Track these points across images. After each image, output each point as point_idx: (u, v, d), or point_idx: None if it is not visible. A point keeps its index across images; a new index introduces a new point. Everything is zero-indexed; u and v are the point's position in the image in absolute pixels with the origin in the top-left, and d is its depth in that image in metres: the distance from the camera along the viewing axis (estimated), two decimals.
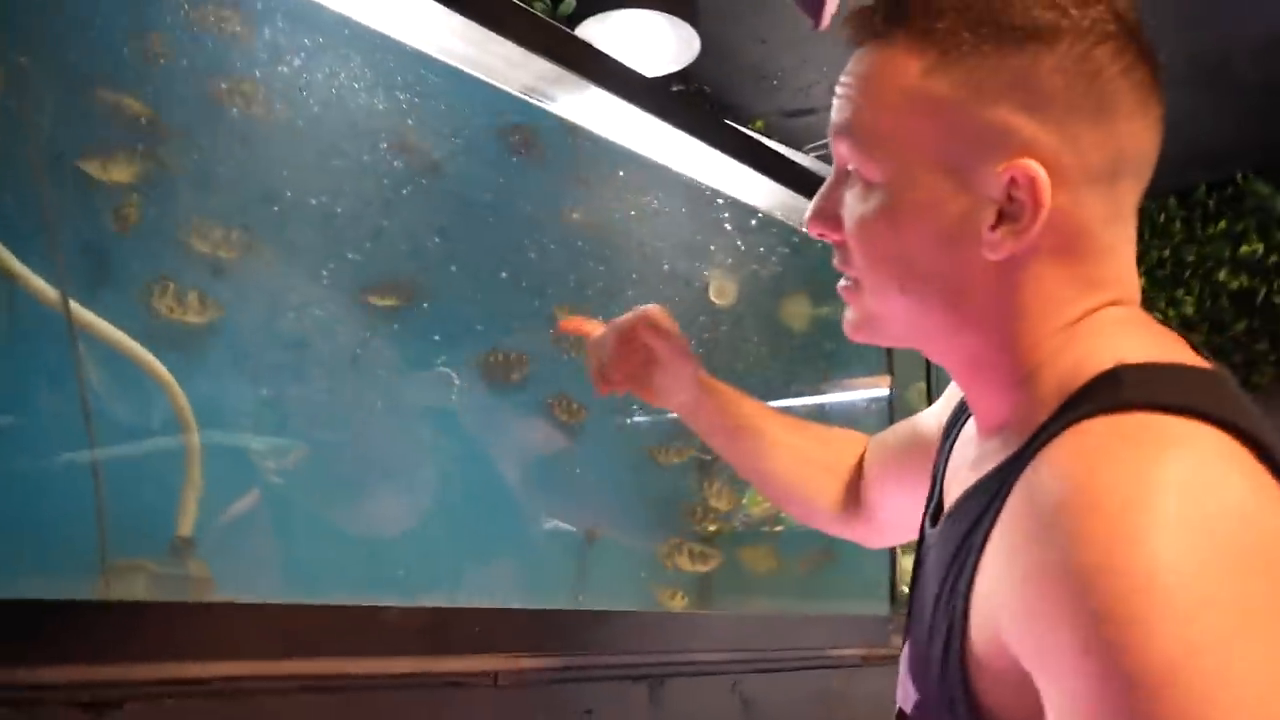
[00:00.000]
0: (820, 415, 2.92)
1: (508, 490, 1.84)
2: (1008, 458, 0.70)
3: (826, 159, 2.14)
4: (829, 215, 0.79)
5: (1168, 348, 0.70)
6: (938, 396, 1.11)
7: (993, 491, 0.69)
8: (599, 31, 2.02)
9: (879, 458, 1.16)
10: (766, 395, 2.74)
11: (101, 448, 1.46)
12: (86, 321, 1.56)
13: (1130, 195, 0.73)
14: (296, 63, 1.31)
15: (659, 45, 2.11)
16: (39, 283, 1.49)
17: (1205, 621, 0.53)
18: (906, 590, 2.71)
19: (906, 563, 2.92)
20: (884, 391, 2.72)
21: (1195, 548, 0.55)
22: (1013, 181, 0.68)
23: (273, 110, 1.32)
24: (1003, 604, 0.63)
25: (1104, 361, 0.66)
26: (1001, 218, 0.69)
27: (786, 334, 2.61)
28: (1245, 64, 2.62)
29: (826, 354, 2.69)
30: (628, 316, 1.16)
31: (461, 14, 1.37)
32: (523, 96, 1.57)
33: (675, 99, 1.81)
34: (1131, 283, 0.75)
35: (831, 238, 0.79)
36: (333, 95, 1.34)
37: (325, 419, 1.52)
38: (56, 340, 1.44)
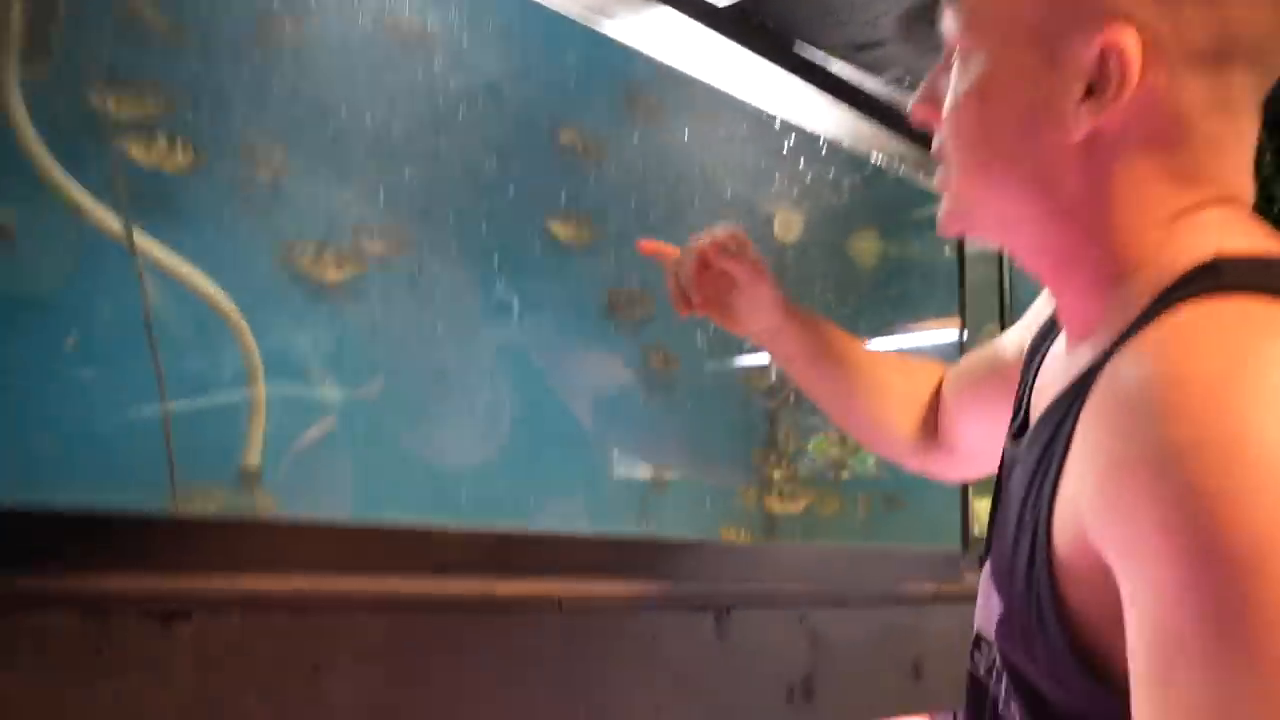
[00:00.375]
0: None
1: (583, 426, 1.83)
2: (1095, 358, 0.66)
3: (902, 88, 2.06)
4: (931, 98, 0.77)
5: (1275, 245, 0.65)
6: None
7: (1077, 393, 0.65)
8: None
9: (956, 387, 1.12)
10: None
11: (170, 380, 1.48)
12: (152, 253, 1.57)
13: (1244, 85, 0.67)
14: None
15: None
16: (102, 213, 1.51)
17: None
18: (979, 531, 2.66)
19: (980, 505, 2.85)
20: (954, 334, 2.65)
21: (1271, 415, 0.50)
22: (1103, 54, 0.64)
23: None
24: (1086, 499, 0.59)
25: (1201, 255, 0.63)
26: (1090, 93, 0.65)
27: (855, 271, 2.54)
28: None
29: (896, 294, 2.62)
30: (704, 239, 1.13)
31: None
32: (585, 18, 1.53)
33: (740, 20, 1.74)
34: (1241, 183, 0.70)
35: (931, 122, 0.78)
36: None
37: (400, 348, 1.52)
38: (124, 271, 1.45)
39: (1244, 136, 0.69)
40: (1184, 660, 0.50)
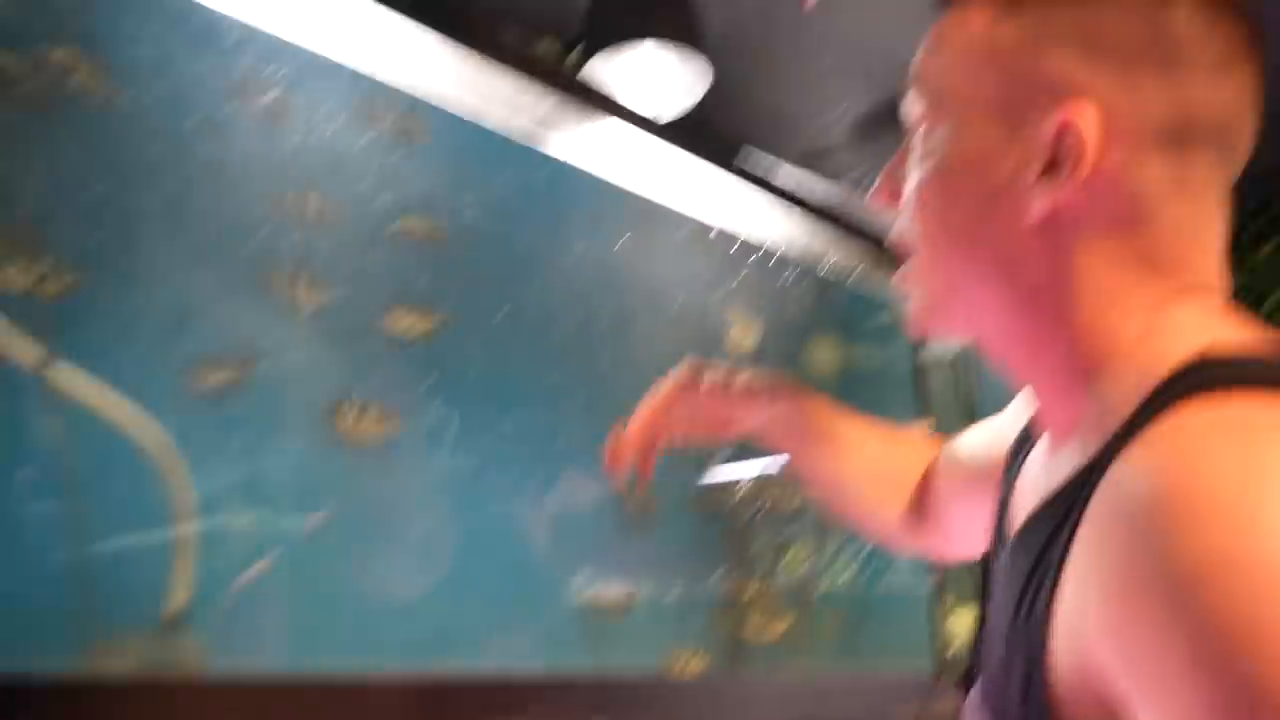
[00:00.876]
0: None
1: (538, 552, 1.74)
2: (1085, 463, 0.62)
3: (855, 195, 2.06)
4: (891, 182, 0.76)
5: (1261, 337, 0.61)
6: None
7: (1070, 500, 0.61)
8: (608, 68, 1.96)
9: (949, 470, 1.07)
10: None
11: (90, 519, 1.39)
12: (73, 385, 1.49)
13: (1206, 168, 0.64)
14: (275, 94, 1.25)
15: (671, 77, 2.05)
16: (20, 344, 1.43)
17: None
18: (945, 651, 2.56)
19: (954, 622, 2.77)
20: None
21: None
22: (1062, 129, 0.63)
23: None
24: (1091, 619, 0.54)
25: (1190, 350, 0.59)
26: (1047, 172, 0.64)
27: (813, 380, 2.50)
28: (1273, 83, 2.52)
29: (857, 403, 2.58)
30: (657, 409, 1.11)
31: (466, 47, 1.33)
32: (527, 134, 1.51)
33: (693, 132, 1.74)
34: (1213, 271, 0.66)
35: (890, 206, 0.76)
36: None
37: (325, 479, 1.43)
38: (34, 400, 1.36)
39: (1210, 222, 0.66)
40: None
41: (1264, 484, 0.48)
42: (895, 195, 0.75)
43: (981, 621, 0.79)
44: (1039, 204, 0.64)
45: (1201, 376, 0.56)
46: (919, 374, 2.16)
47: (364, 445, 1.44)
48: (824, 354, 2.47)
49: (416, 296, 1.48)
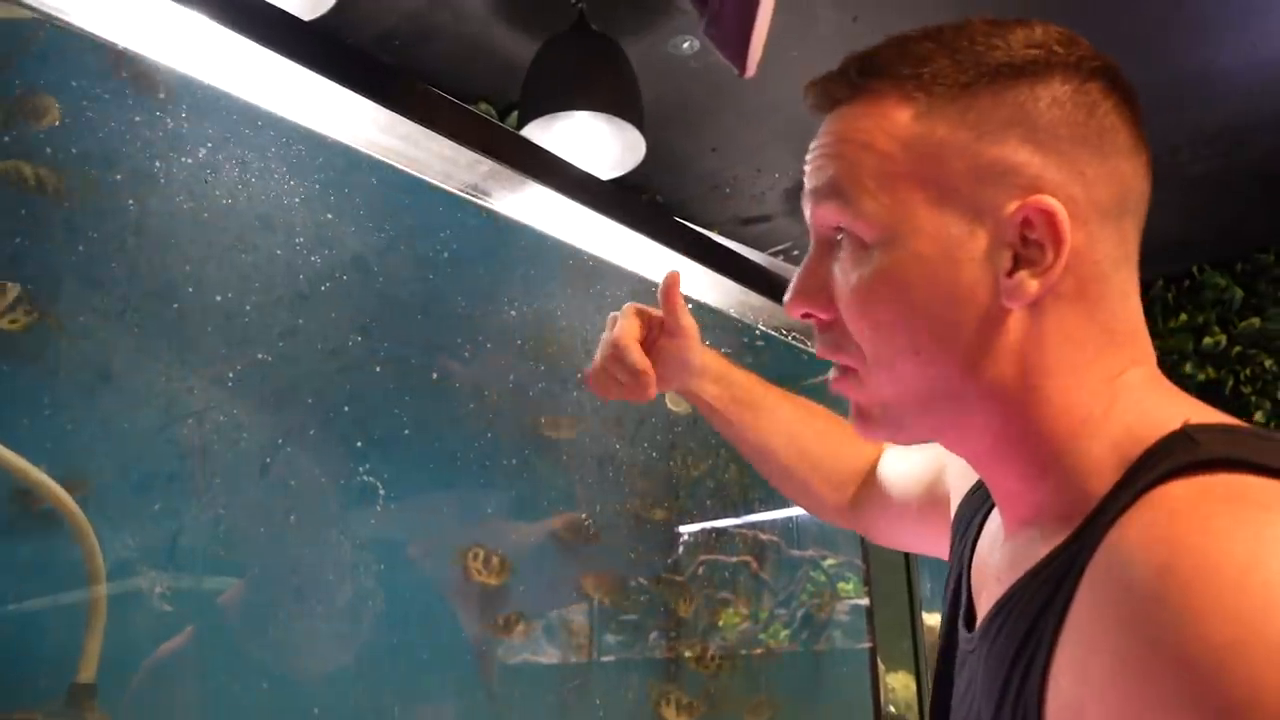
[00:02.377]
0: (790, 528, 2.81)
1: (447, 621, 1.70)
2: (1066, 539, 0.61)
3: (790, 261, 2.09)
4: (814, 290, 0.72)
5: (1213, 412, 0.63)
6: None
7: (1056, 579, 0.60)
8: (542, 136, 1.98)
9: (892, 482, 1.09)
10: (728, 508, 2.65)
11: None
12: None
13: (1134, 238, 0.68)
14: (202, 153, 1.24)
15: (604, 149, 2.08)
16: None
17: None
18: (895, 710, 2.54)
19: (893, 680, 2.76)
20: None
21: None
22: (1026, 220, 0.64)
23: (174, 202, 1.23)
24: (1091, 700, 0.53)
25: (1166, 423, 0.60)
26: (1017, 262, 0.64)
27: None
28: (1189, 158, 2.65)
29: None
30: (626, 327, 1.10)
31: (401, 114, 1.33)
32: (464, 195, 1.51)
33: (626, 198, 1.76)
34: (1148, 342, 0.69)
35: (819, 317, 0.73)
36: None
37: (240, 542, 1.38)
38: None
39: (1137, 289, 0.69)
40: None
41: (1271, 564, 0.47)
42: (820, 304, 0.72)
43: (943, 700, 0.77)
44: (1022, 293, 0.64)
45: (1184, 450, 0.57)
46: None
47: (288, 508, 1.40)
48: None
49: (348, 357, 1.47)
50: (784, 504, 2.73)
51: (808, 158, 0.73)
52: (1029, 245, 0.64)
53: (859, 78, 0.69)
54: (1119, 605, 0.52)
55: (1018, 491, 0.69)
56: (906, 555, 2.46)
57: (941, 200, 0.65)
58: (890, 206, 0.66)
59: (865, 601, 2.75)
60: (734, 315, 2.02)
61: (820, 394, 2.49)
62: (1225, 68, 2.26)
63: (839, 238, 0.70)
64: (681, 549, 2.59)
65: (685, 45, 2.27)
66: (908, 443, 0.77)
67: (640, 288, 1.90)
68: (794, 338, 2.10)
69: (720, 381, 1.15)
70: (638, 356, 1.07)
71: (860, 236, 0.68)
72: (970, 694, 0.69)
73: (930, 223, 0.65)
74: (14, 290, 1.13)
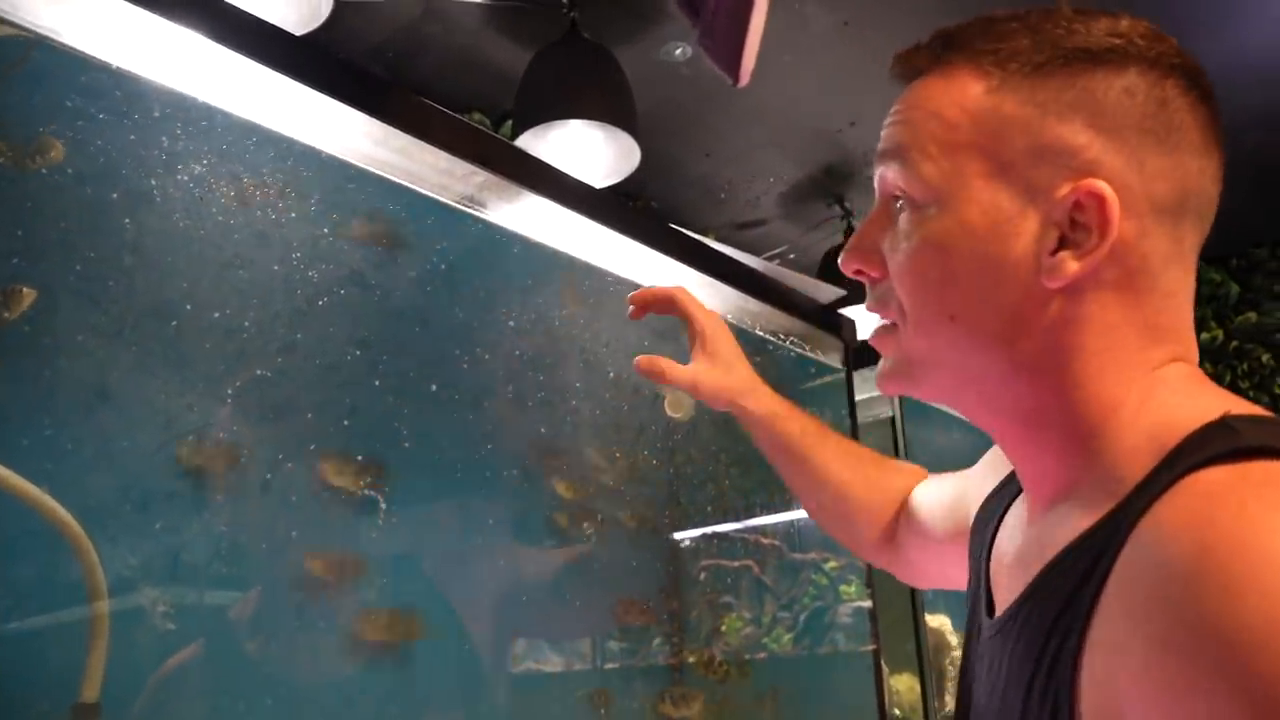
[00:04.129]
0: (791, 532, 2.81)
1: (468, 628, 1.69)
2: (1100, 520, 0.61)
3: (787, 266, 2.09)
4: (868, 249, 0.75)
5: (1252, 406, 0.63)
6: None
7: (1091, 561, 0.60)
8: (536, 146, 1.99)
9: (921, 514, 1.08)
10: (728, 513, 2.64)
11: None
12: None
13: (1192, 239, 0.69)
14: (198, 169, 1.24)
15: (599, 157, 2.09)
16: None
17: None
18: (900, 713, 2.54)
19: (897, 683, 2.76)
20: None
21: None
22: (1077, 203, 0.65)
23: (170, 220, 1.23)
24: (1129, 681, 0.53)
25: (1207, 412, 0.60)
26: (1063, 242, 0.66)
27: (751, 445, 2.51)
28: None
29: None
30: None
31: (393, 125, 1.34)
32: (460, 206, 1.51)
33: (621, 206, 1.76)
34: (1192, 341, 0.70)
35: (869, 274, 0.76)
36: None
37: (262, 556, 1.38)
38: None
39: (1191, 292, 0.69)
40: None
41: None
42: (871, 261, 0.75)
43: (969, 687, 0.77)
44: (1063, 274, 0.65)
45: (1224, 439, 0.57)
46: (858, 435, 2.19)
47: (289, 524, 1.40)
48: None
49: (350, 372, 1.46)
50: (784, 508, 2.73)
51: (886, 122, 0.75)
52: (1076, 228, 0.65)
53: (941, 50, 0.71)
54: (1157, 585, 0.52)
55: (1050, 470, 0.70)
56: None
57: (998, 173, 0.67)
58: (948, 173, 0.68)
59: (868, 604, 2.75)
60: (731, 320, 2.02)
61: (816, 397, 2.50)
62: (1214, 65, 2.26)
63: (899, 201, 0.72)
64: (683, 555, 2.59)
65: (678, 52, 2.28)
66: (923, 398, 0.78)
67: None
68: (792, 342, 2.10)
69: (769, 413, 1.16)
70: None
71: (915, 199, 0.70)
72: (995, 678, 0.69)
73: (983, 194, 0.67)
74: (30, 295, 1.13)
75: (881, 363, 0.77)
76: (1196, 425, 0.60)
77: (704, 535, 2.63)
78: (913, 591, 2.61)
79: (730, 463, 2.46)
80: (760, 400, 1.15)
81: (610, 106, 1.99)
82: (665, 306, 1.20)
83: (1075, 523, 0.64)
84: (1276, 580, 0.47)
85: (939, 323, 0.70)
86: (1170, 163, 0.66)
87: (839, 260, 0.78)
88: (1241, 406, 0.62)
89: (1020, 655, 0.65)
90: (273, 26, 1.26)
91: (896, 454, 2.37)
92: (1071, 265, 0.65)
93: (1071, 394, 0.67)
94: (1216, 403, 0.62)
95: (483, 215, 1.52)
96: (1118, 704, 0.54)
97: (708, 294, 1.95)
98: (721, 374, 1.15)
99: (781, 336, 2.07)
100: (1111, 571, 0.57)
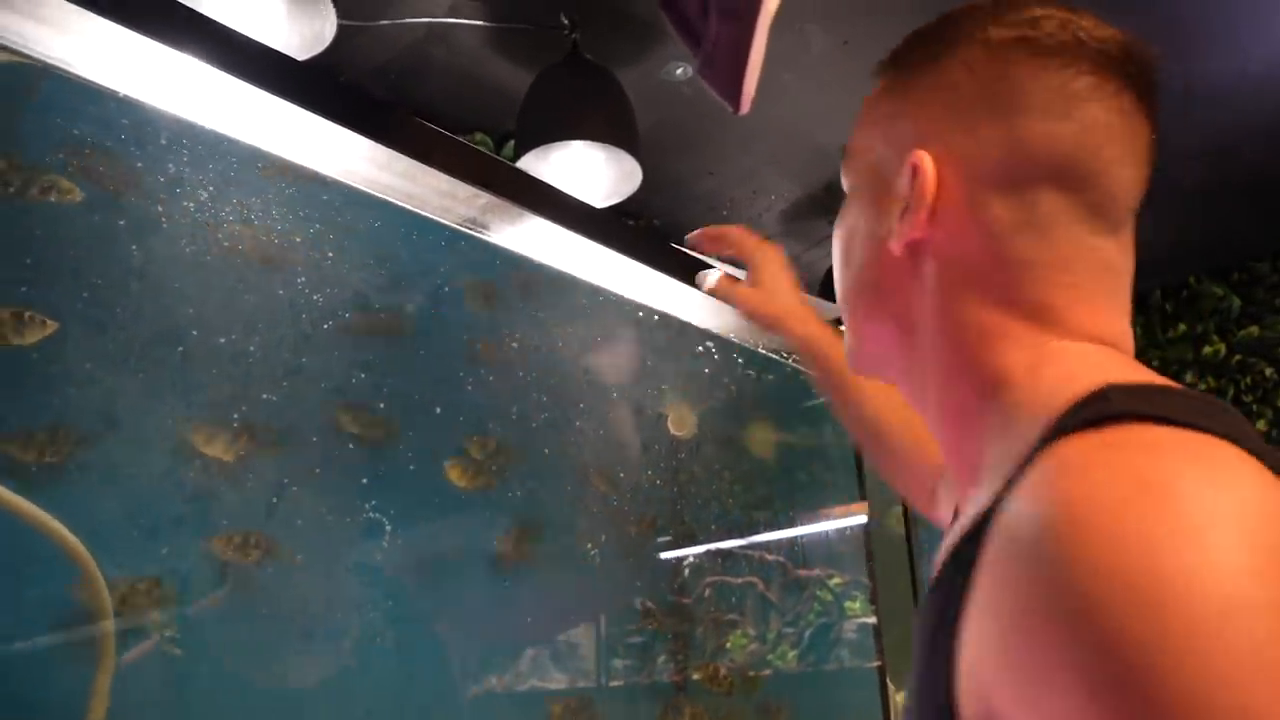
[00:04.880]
0: (796, 549, 2.80)
1: (443, 652, 1.69)
2: (985, 505, 0.59)
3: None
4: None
5: (1159, 379, 0.60)
6: (915, 520, 1.07)
7: (971, 547, 0.58)
8: (538, 167, 2.00)
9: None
10: (733, 531, 2.64)
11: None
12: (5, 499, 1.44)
13: (1051, 205, 0.66)
14: (204, 196, 1.25)
15: (601, 177, 2.09)
16: None
17: (1238, 631, 0.43)
18: None
19: (902, 699, 2.75)
20: (861, 519, 2.62)
21: (1213, 549, 0.45)
22: (911, 174, 0.68)
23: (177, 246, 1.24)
24: (990, 663, 0.52)
25: (1089, 384, 0.58)
26: (904, 212, 0.70)
27: (754, 462, 2.51)
28: (1182, 171, 2.66)
29: (800, 482, 2.60)
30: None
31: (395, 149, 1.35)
32: (463, 229, 1.52)
33: (623, 227, 1.77)
34: (1100, 321, 0.66)
35: None
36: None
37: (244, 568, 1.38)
38: None
39: (1070, 262, 0.66)
40: None
41: (1149, 502, 0.47)
42: None
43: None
44: (896, 238, 0.70)
45: (1096, 406, 0.55)
46: (858, 452, 2.21)
47: (295, 548, 1.41)
48: (762, 436, 2.49)
49: (352, 393, 1.47)
50: (788, 524, 2.73)
51: None
52: (912, 199, 0.68)
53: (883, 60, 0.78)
54: (1004, 564, 0.52)
55: (956, 448, 0.71)
56: (912, 573, 2.46)
57: (877, 165, 0.73)
58: (855, 171, 0.77)
59: (873, 620, 2.74)
60: (735, 340, 2.03)
61: (820, 415, 2.50)
62: (1214, 83, 2.27)
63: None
64: (688, 572, 2.59)
65: (679, 71, 2.29)
66: (875, 375, 0.82)
67: (640, 314, 1.91)
68: (794, 361, 2.11)
69: (805, 333, 1.18)
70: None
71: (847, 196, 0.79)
72: (916, 644, 0.67)
73: (869, 185, 0.74)
74: (53, 326, 1.14)
75: None
76: (1075, 398, 0.57)
77: (708, 552, 2.63)
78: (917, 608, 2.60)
79: (734, 480, 2.46)
80: (804, 326, 1.17)
81: (612, 127, 2.00)
82: (721, 244, 1.23)
83: (980, 505, 0.61)
84: (1115, 549, 0.46)
85: (850, 302, 0.77)
86: (1001, 130, 0.66)
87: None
88: (1139, 377, 0.60)
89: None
90: (276, 52, 1.27)
91: None
92: (903, 230, 0.69)
93: (960, 369, 0.68)
94: (1107, 374, 0.59)
95: (486, 237, 1.53)
96: (986, 681, 0.52)
97: (711, 312, 1.96)
98: (766, 297, 1.17)
99: (784, 355, 2.07)
100: (982, 553, 0.55)
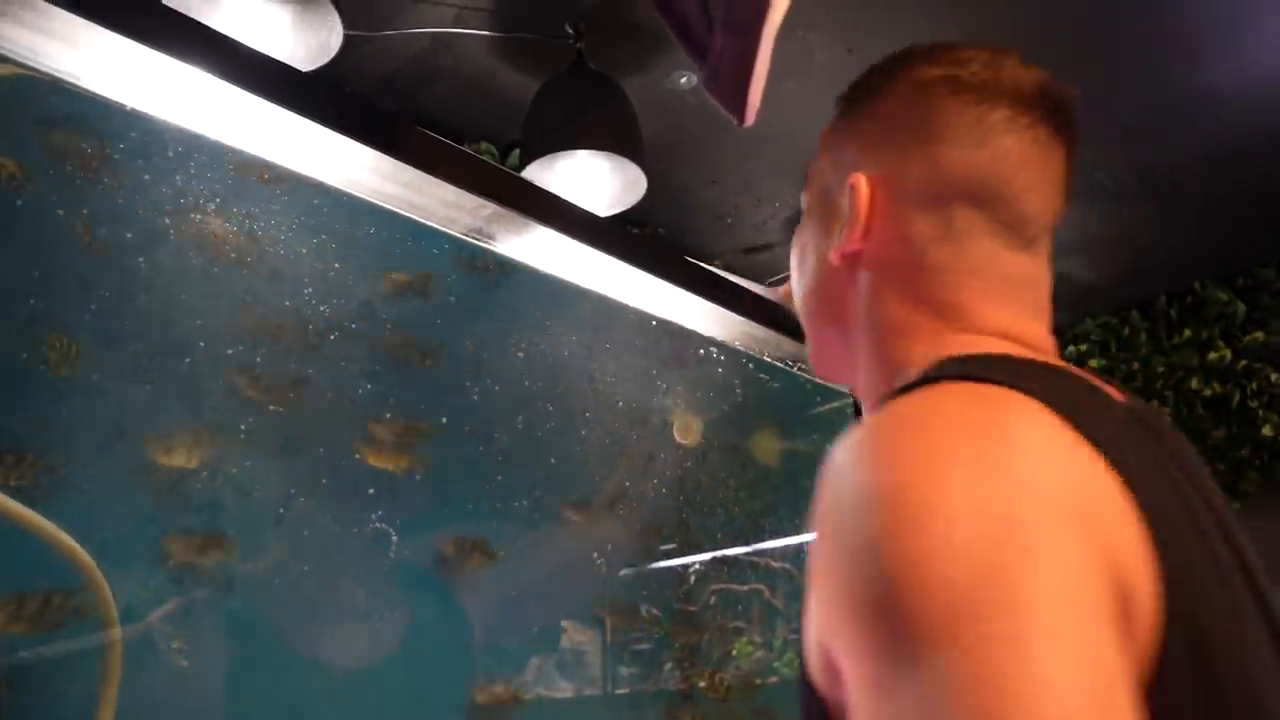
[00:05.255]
0: (801, 555, 2.80)
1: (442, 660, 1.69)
2: None
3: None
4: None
5: (1028, 355, 0.69)
6: None
7: None
8: (543, 176, 2.00)
9: None
10: (738, 538, 2.64)
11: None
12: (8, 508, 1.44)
13: (967, 220, 0.74)
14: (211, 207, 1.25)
15: (605, 186, 2.10)
16: None
17: (932, 532, 0.49)
18: None
19: None
20: None
21: (932, 472, 0.52)
22: (849, 193, 0.77)
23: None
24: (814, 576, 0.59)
25: (937, 359, 0.68)
26: (844, 227, 0.78)
27: (759, 470, 2.51)
28: (1188, 177, 2.66)
29: (802, 489, 2.60)
30: None
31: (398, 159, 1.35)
32: (468, 239, 1.52)
33: (628, 236, 1.77)
34: (996, 318, 0.73)
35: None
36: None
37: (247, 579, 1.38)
38: None
39: (981, 268, 0.74)
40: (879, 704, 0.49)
41: (896, 433, 0.55)
42: None
43: None
44: (836, 250, 0.78)
45: (920, 377, 0.64)
46: None
47: (302, 558, 1.41)
48: (767, 444, 2.49)
49: (362, 405, 1.47)
50: (793, 531, 2.73)
51: None
52: (848, 216, 0.77)
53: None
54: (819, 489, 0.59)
55: None
56: None
57: (824, 188, 0.82)
58: (808, 192, 0.85)
59: None
60: (739, 348, 2.03)
61: (823, 422, 2.50)
62: (1219, 89, 2.27)
63: None
64: (694, 580, 2.58)
65: (683, 80, 2.30)
66: (831, 379, 0.88)
67: (645, 323, 1.92)
68: (799, 369, 2.11)
69: None
70: None
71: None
72: None
73: (815, 206, 0.83)
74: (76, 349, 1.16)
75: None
76: (924, 369, 0.67)
77: (714, 560, 2.62)
78: None
79: (739, 487, 2.46)
80: None
81: (617, 137, 2.00)
82: None
83: None
84: (857, 455, 0.55)
85: (803, 312, 0.85)
86: (924, 155, 0.75)
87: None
88: (998, 354, 0.68)
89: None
90: (281, 64, 1.28)
91: None
92: (841, 242, 0.77)
93: (880, 358, 0.77)
94: (971, 347, 0.69)
95: (491, 247, 1.53)
96: (816, 627, 0.59)
97: (714, 320, 1.97)
98: None
99: (789, 363, 2.07)
100: None
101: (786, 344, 2.00)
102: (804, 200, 0.86)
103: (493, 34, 2.09)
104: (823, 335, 0.84)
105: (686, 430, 2.19)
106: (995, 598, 0.47)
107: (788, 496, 2.63)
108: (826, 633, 0.56)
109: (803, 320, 0.86)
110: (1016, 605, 0.47)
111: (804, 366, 2.09)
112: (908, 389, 0.62)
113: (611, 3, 2.09)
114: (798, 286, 0.86)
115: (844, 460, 0.56)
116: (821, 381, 2.16)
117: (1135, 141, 2.55)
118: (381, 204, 1.39)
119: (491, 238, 1.53)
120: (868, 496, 0.52)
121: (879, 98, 0.79)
